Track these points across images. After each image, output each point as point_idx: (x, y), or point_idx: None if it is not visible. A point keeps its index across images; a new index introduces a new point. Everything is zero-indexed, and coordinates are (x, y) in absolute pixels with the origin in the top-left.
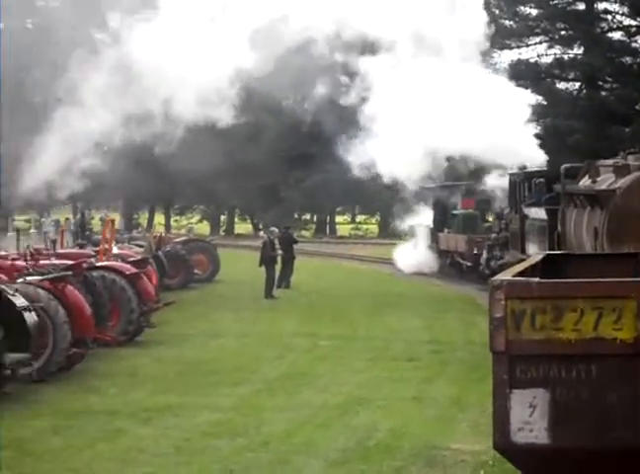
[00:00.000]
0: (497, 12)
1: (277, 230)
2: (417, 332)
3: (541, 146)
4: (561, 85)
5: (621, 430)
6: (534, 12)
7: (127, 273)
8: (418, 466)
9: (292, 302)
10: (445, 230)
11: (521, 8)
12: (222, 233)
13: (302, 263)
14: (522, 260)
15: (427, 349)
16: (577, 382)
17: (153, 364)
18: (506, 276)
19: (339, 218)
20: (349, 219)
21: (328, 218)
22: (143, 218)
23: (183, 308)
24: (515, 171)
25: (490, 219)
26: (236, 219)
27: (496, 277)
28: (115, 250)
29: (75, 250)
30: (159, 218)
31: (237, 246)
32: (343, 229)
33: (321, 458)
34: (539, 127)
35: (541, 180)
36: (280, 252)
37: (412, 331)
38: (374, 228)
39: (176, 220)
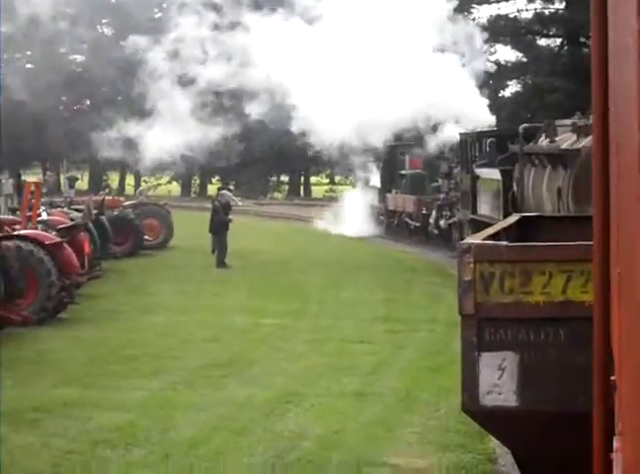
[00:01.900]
0: None
1: (228, 193)
2: (375, 307)
3: (522, 104)
4: (542, 41)
5: (588, 393)
6: None
7: (47, 242)
8: None
9: (244, 272)
10: (394, 191)
11: None
12: (193, 194)
13: (264, 227)
14: (473, 219)
15: (383, 328)
16: (545, 345)
17: (66, 348)
18: (475, 239)
19: (314, 179)
20: (324, 180)
21: (302, 179)
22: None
23: (122, 279)
24: (465, 131)
25: (438, 180)
26: (213, 180)
27: (465, 241)
28: (44, 216)
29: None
30: (129, 179)
31: (203, 208)
32: (318, 191)
33: None
34: (519, 85)
35: (493, 140)
36: (231, 217)
37: (370, 306)
38: (349, 189)
39: (145, 181)
